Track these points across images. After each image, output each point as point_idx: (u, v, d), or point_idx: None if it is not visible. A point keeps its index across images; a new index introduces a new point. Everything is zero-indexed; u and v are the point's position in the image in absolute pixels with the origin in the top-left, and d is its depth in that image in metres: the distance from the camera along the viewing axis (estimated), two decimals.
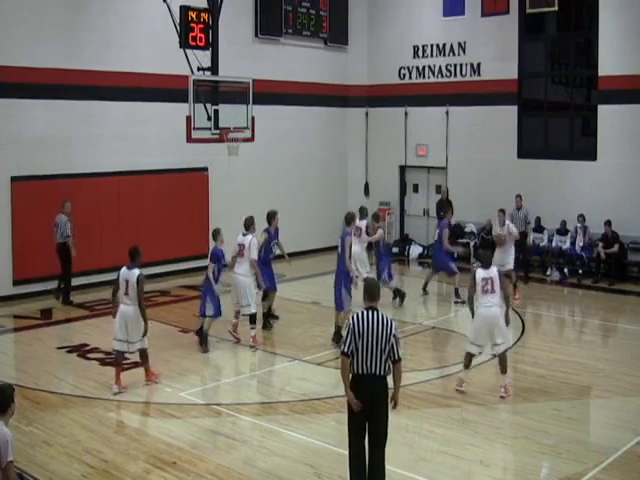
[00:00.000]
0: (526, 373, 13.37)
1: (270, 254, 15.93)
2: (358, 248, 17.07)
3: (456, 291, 18.47)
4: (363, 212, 18.12)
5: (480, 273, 12.13)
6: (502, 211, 18.90)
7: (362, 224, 17.70)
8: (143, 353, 12.50)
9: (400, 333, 15.31)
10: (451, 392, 12.32)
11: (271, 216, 16.00)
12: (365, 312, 8.37)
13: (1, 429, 6.88)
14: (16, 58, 17.84)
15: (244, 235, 14.97)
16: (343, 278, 14.70)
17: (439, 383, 12.87)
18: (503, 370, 12.16)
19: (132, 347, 12.30)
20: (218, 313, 14.52)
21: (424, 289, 19.18)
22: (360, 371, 8.28)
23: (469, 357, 12.38)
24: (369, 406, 8.29)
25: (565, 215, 21.14)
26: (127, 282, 12.16)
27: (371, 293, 8.56)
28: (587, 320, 17.97)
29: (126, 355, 12.53)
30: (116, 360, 12.47)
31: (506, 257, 18.13)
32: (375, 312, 8.36)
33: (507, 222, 18.56)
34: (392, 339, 8.30)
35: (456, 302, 18.29)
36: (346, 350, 8.26)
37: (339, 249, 14.88)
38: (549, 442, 10.36)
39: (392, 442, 10.49)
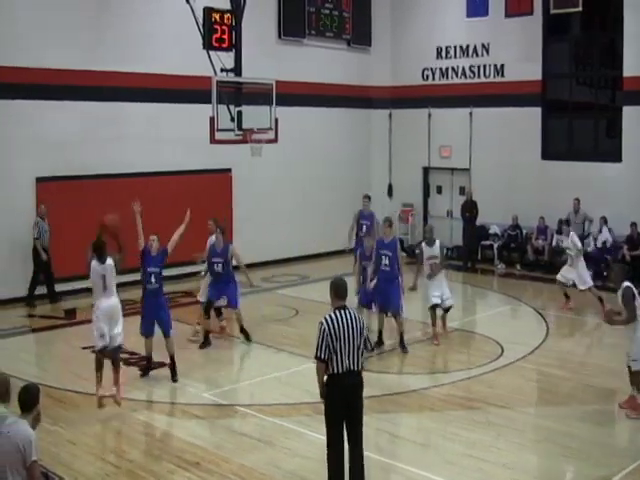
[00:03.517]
0: (550, 376, 13.31)
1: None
2: None
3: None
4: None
5: None
6: (567, 222, 18.47)
7: None
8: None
9: (424, 335, 15.50)
10: (475, 394, 12.27)
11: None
12: (337, 312, 8.39)
13: (25, 428, 6.90)
14: (39, 60, 17.97)
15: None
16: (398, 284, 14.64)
17: (463, 385, 12.79)
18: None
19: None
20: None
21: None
22: (339, 370, 8.32)
23: None
24: (347, 402, 8.42)
25: (590, 216, 21.03)
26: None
27: (340, 292, 8.55)
28: None
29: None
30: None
31: (581, 274, 17.41)
32: (346, 311, 8.43)
33: (572, 233, 17.81)
34: (365, 332, 8.48)
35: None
36: (323, 356, 8.31)
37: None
38: (573, 445, 10.28)
39: (417, 445, 10.51)
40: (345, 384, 8.36)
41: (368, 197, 18.51)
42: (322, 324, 8.32)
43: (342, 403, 8.41)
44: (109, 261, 11.53)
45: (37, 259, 18.03)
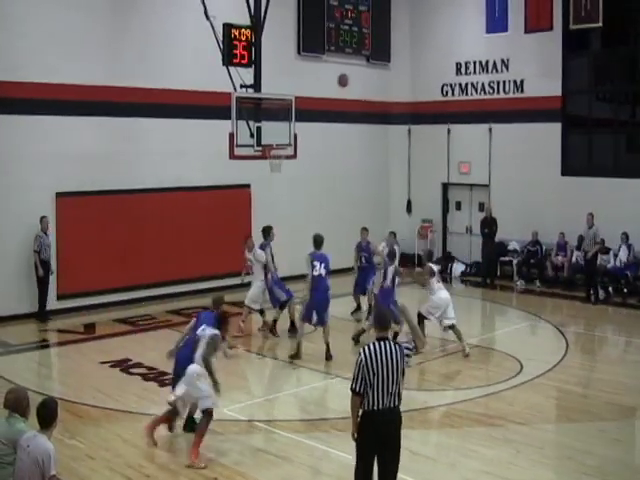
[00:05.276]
0: (569, 393, 13.23)
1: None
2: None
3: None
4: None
5: None
6: (392, 233, 18.64)
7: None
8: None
9: (443, 351, 15.45)
10: (494, 411, 12.21)
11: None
12: (377, 344, 7.78)
13: (44, 443, 6.93)
14: (58, 75, 18.08)
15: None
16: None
17: (482, 402, 12.73)
18: None
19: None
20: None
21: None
22: (375, 407, 7.73)
23: None
24: (382, 441, 7.84)
25: (610, 233, 20.85)
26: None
27: (382, 322, 8.08)
28: (631, 340, 17.71)
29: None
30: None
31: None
32: (386, 343, 7.82)
33: (383, 244, 17.45)
34: (403, 366, 7.86)
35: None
36: (358, 389, 7.73)
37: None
38: (593, 463, 10.20)
39: (435, 461, 10.45)
40: (380, 422, 7.77)
41: (366, 229, 18.61)
42: (360, 355, 7.79)
43: (376, 441, 7.83)
44: (208, 331, 10.74)
45: (37, 273, 17.90)
